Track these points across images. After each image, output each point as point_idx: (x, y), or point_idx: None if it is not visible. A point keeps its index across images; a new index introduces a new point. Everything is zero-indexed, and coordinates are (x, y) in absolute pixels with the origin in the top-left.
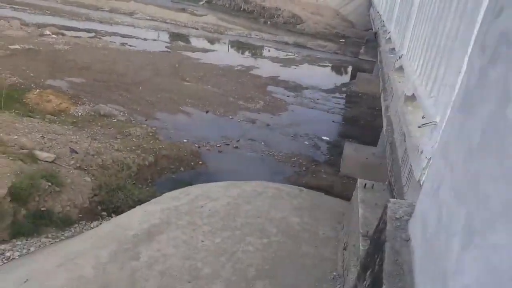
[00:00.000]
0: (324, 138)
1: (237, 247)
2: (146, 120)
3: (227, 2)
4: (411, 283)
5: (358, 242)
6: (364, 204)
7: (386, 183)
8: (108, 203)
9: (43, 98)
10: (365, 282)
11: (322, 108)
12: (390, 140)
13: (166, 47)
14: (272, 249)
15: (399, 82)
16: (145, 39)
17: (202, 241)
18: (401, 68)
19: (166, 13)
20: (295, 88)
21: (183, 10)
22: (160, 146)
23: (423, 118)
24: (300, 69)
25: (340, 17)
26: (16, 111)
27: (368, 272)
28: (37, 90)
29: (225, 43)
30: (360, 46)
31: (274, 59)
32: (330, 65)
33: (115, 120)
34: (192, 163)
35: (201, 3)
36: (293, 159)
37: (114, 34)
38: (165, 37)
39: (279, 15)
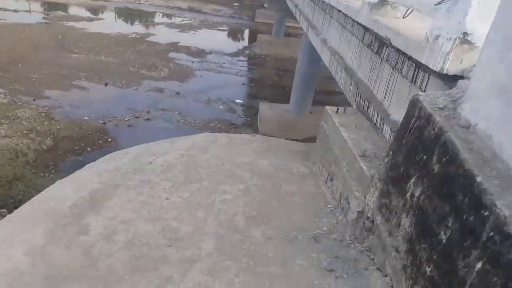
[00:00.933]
0: (238, 101)
1: (213, 198)
2: (34, 100)
3: None
4: (507, 166)
5: (356, 164)
6: (345, 128)
7: (354, 106)
8: (7, 198)
9: None
10: (412, 192)
11: (230, 72)
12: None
13: (44, 18)
14: (252, 194)
15: None
16: (15, 11)
17: (167, 199)
18: None
19: None
20: (199, 53)
21: None
22: (58, 127)
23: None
24: (199, 34)
25: None
26: None
27: (413, 180)
28: None
29: (112, 10)
30: (254, 9)
31: (171, 25)
32: (228, 29)
33: None
34: (100, 141)
35: None
36: (211, 124)
37: None
38: (38, 7)
39: None
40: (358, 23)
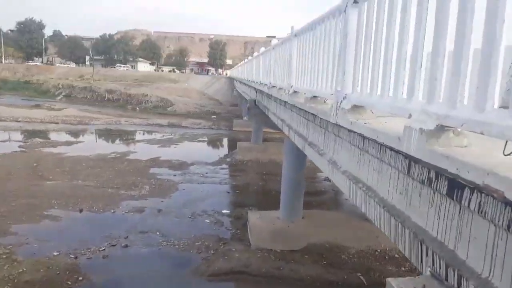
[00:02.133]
0: (224, 211)
1: None
2: None
3: (88, 94)
4: None
5: None
6: None
7: (428, 273)
8: None
9: None
10: None
11: (213, 181)
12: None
13: (20, 146)
14: None
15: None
16: None
17: None
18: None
19: (17, 112)
20: (180, 166)
21: (38, 106)
22: (20, 270)
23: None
24: (180, 147)
25: (207, 96)
26: None
27: None
28: None
29: (92, 133)
30: (231, 120)
31: (151, 141)
32: (208, 139)
33: None
34: (69, 282)
35: (58, 98)
36: (197, 243)
37: None
38: (18, 136)
39: (147, 100)
40: (397, 152)
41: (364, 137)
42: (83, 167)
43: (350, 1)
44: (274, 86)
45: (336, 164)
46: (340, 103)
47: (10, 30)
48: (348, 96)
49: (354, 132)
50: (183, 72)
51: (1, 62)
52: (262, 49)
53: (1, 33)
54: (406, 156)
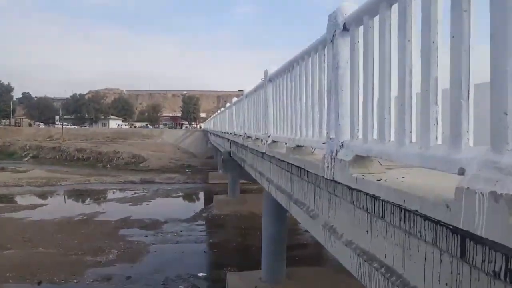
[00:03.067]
0: (201, 274)
1: None
2: None
3: (56, 154)
4: None
5: None
6: None
7: None
8: None
9: None
10: None
11: (188, 240)
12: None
13: None
14: None
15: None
16: None
17: None
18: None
19: None
20: (153, 225)
21: (3, 169)
22: None
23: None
24: (153, 204)
25: (181, 150)
26: None
27: None
28: None
29: (59, 194)
30: (206, 173)
31: (122, 200)
32: (183, 194)
33: None
34: None
35: (25, 159)
36: None
37: None
38: None
39: (119, 157)
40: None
41: (376, 199)
42: (46, 232)
43: (338, 29)
44: (249, 137)
45: (335, 231)
46: (336, 154)
47: None
48: (347, 144)
49: (360, 192)
50: (156, 127)
51: None
52: (235, 99)
53: None
54: (455, 231)
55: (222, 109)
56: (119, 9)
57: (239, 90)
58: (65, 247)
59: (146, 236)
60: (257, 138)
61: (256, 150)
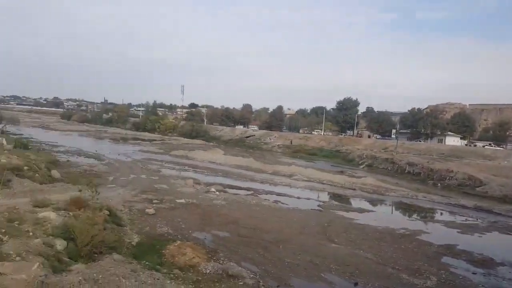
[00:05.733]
0: None
1: None
2: (278, 286)
3: (389, 165)
4: None
5: None
6: None
7: None
8: None
9: (180, 250)
10: None
11: None
12: None
13: (318, 205)
14: None
15: None
16: (298, 198)
17: None
18: None
19: (323, 175)
20: (484, 263)
21: (341, 172)
22: None
23: None
24: (487, 238)
25: None
26: (146, 262)
27: None
28: (178, 242)
29: (385, 204)
30: None
31: (449, 224)
32: None
33: (241, 283)
34: None
35: (361, 166)
36: None
37: (270, 192)
38: (319, 196)
39: (451, 177)
40: None
41: None
42: (368, 238)
43: None
44: None
45: None
46: None
47: (332, 108)
48: None
49: None
50: (502, 148)
51: (321, 134)
52: None
53: (325, 111)
54: None
55: None
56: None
57: None
58: (383, 257)
59: (475, 273)
60: None
61: None
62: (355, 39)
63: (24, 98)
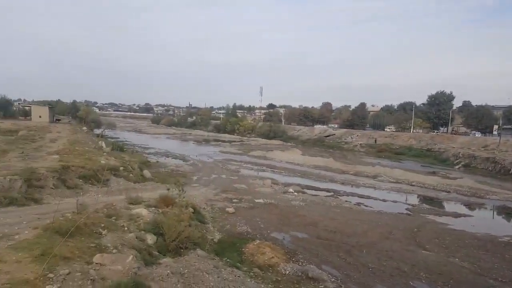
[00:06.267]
0: None
1: None
2: None
3: (490, 165)
4: None
5: None
6: None
7: None
8: None
9: (260, 249)
10: None
11: None
12: None
13: (407, 209)
14: None
15: None
16: (383, 200)
17: None
18: None
19: (412, 176)
20: None
21: (434, 173)
22: None
23: None
24: None
25: None
26: (227, 259)
27: None
28: (257, 241)
29: (486, 208)
30: None
31: None
32: None
33: (322, 286)
34: None
35: (456, 167)
36: None
37: (352, 194)
38: (407, 199)
39: None
40: None
41: None
42: (464, 245)
43: None
44: None
45: None
46: None
47: (422, 103)
48: None
49: None
50: None
51: (410, 132)
52: None
53: (414, 106)
54: None
55: None
56: None
57: None
58: (482, 267)
59: None
60: None
61: None
62: (446, 27)
63: (120, 105)
